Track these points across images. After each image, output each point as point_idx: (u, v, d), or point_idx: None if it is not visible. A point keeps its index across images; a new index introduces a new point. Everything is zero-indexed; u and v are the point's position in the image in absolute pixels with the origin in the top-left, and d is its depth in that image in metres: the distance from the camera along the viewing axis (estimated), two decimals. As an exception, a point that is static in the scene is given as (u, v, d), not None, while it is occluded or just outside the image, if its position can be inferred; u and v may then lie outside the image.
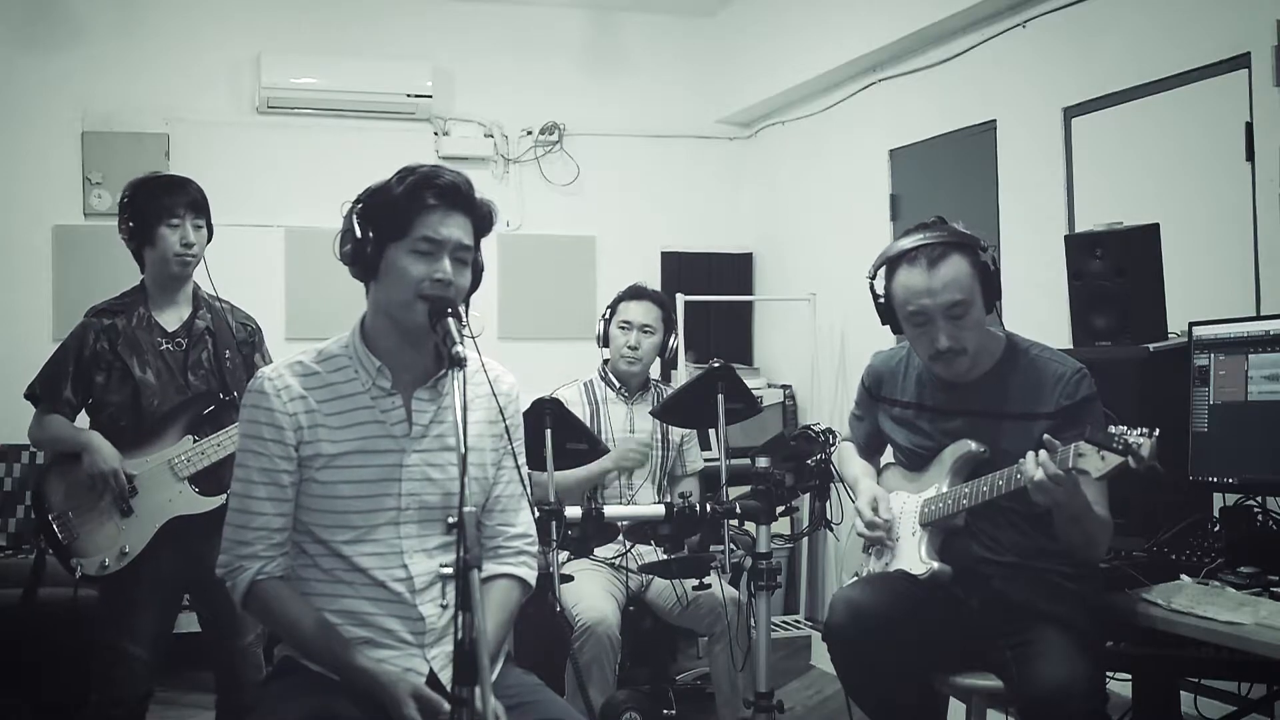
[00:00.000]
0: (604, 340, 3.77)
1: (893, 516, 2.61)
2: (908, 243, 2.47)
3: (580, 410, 3.67)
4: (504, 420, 2.10)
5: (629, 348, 3.70)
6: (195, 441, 2.90)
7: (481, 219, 2.04)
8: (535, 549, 2.19)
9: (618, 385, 3.78)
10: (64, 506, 2.85)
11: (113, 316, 2.92)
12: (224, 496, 2.86)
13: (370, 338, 2.06)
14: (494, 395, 2.10)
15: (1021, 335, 2.56)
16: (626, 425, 3.74)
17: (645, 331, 3.72)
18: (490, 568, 2.12)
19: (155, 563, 2.83)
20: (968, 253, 2.44)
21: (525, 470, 2.18)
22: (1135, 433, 2.09)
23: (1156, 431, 2.08)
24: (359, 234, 1.99)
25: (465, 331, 1.92)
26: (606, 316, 3.78)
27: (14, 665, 3.84)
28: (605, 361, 3.83)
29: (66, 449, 2.88)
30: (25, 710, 3.83)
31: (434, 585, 2.02)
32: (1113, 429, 2.12)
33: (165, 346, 2.94)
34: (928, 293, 2.42)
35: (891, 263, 2.50)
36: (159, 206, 2.89)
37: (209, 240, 3.00)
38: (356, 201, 2.01)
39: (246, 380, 2.98)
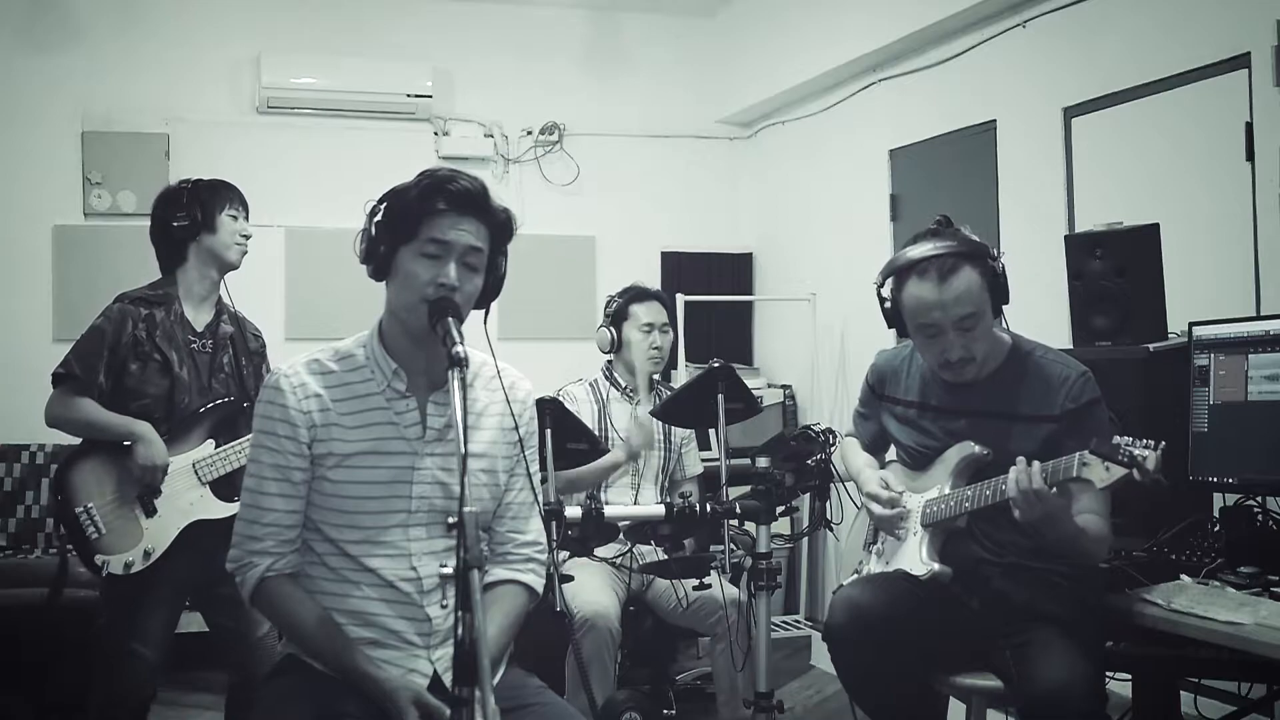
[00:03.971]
0: (617, 345, 3.76)
1: (904, 490, 2.60)
2: (917, 252, 2.44)
3: (587, 408, 3.69)
4: (518, 429, 2.10)
5: (654, 348, 3.72)
6: (217, 447, 2.91)
7: (499, 225, 2.04)
8: (544, 557, 2.19)
9: (623, 385, 3.78)
10: (91, 501, 2.80)
11: (150, 307, 2.91)
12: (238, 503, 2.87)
13: (387, 339, 2.06)
14: (508, 403, 2.10)
15: (1025, 336, 2.55)
16: (630, 425, 3.74)
17: (663, 331, 3.76)
18: (499, 573, 2.13)
19: (172, 565, 2.83)
20: (978, 263, 2.41)
21: (539, 478, 2.18)
22: (1141, 444, 2.08)
23: (1162, 444, 2.07)
24: (374, 234, 2.00)
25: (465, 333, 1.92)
26: (615, 320, 3.77)
27: (16, 665, 3.85)
28: (609, 363, 3.83)
29: (110, 436, 2.82)
30: (27, 710, 3.83)
31: (440, 587, 2.03)
32: (1118, 440, 2.11)
33: (194, 345, 2.96)
34: (939, 306, 2.40)
35: (901, 273, 2.46)
36: (221, 197, 3.00)
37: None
38: (380, 201, 2.02)
39: (254, 390, 3.01)
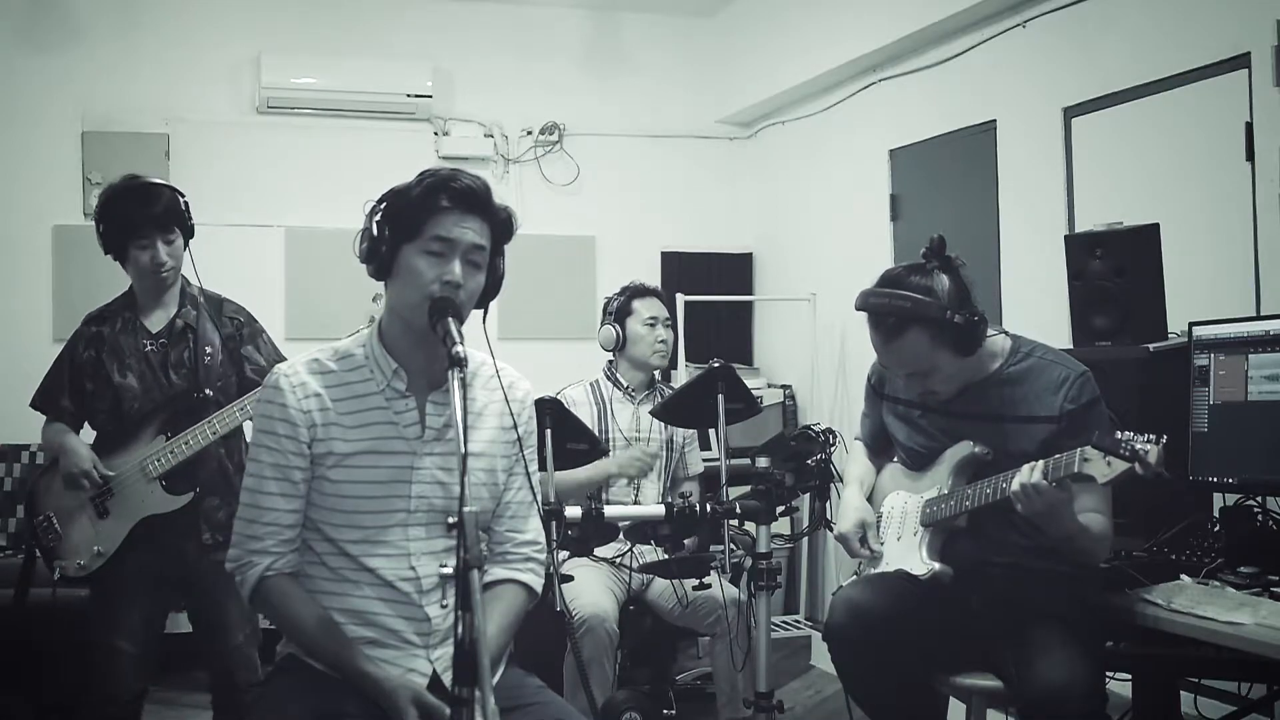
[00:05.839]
0: (622, 342, 3.76)
1: (881, 547, 2.63)
2: (863, 301, 2.42)
3: (587, 410, 3.68)
4: (516, 428, 2.10)
5: (661, 342, 3.73)
6: (167, 440, 2.90)
7: (500, 224, 2.04)
8: (543, 557, 2.19)
9: (625, 385, 3.78)
10: (48, 510, 2.92)
11: (100, 324, 2.96)
12: (189, 495, 2.89)
13: (387, 339, 2.06)
14: (507, 402, 2.10)
15: (1025, 337, 2.55)
16: (633, 425, 3.74)
17: (666, 325, 3.77)
18: (498, 572, 2.13)
19: (137, 560, 2.87)
20: (928, 324, 2.34)
21: (538, 478, 2.18)
22: (1142, 439, 2.08)
23: (1164, 438, 2.07)
24: (375, 233, 2.00)
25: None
26: (618, 316, 3.77)
27: (14, 665, 3.85)
28: (610, 363, 3.83)
29: (52, 454, 2.95)
30: (27, 710, 3.83)
31: (439, 586, 2.03)
32: (1120, 434, 2.11)
33: (150, 348, 2.96)
34: (885, 360, 2.50)
35: (859, 307, 2.46)
36: (128, 225, 2.88)
37: (187, 244, 2.97)
38: (380, 201, 2.02)
39: (234, 375, 3.01)
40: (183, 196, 2.96)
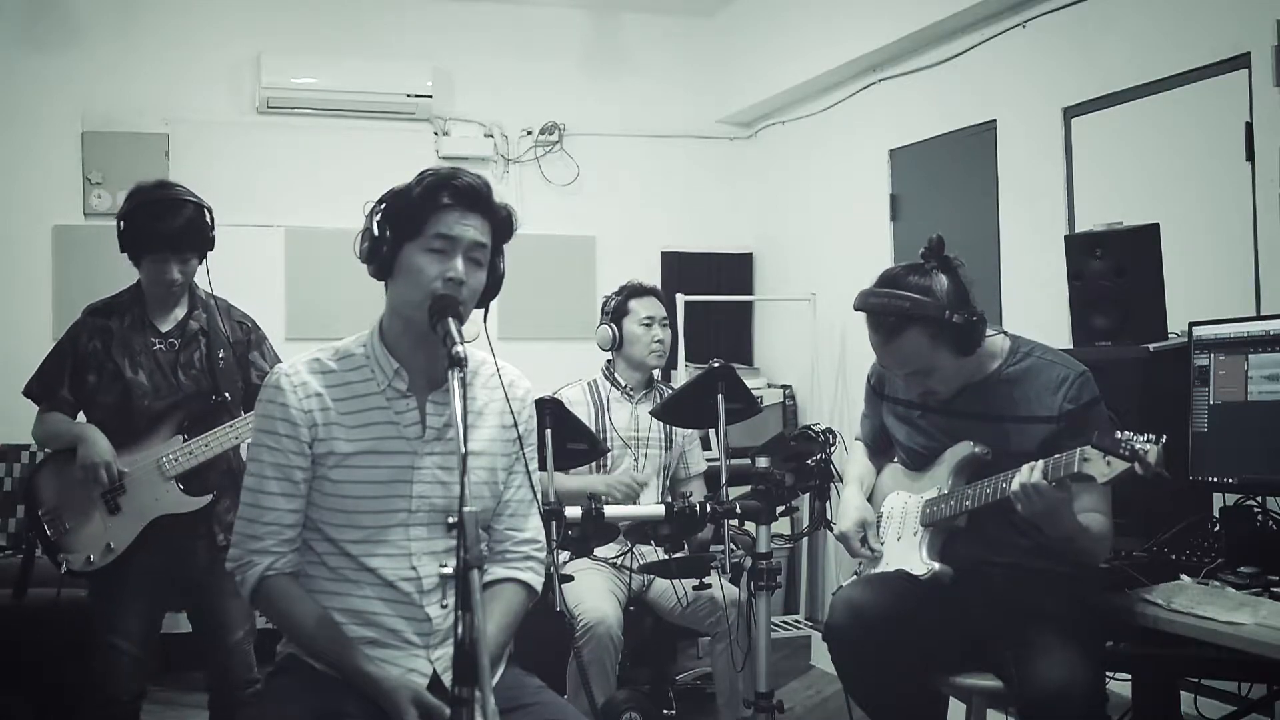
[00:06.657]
0: (619, 341, 3.77)
1: (881, 546, 2.62)
2: (862, 301, 2.43)
3: (585, 410, 3.67)
4: (516, 426, 2.10)
5: (657, 342, 3.73)
6: (185, 441, 2.90)
7: (500, 222, 2.05)
8: (543, 555, 2.19)
9: (623, 385, 3.78)
10: (54, 503, 2.88)
11: (107, 317, 2.94)
12: (209, 497, 2.89)
13: (388, 339, 2.07)
14: (508, 400, 2.10)
15: (1025, 337, 2.55)
16: (631, 425, 3.74)
17: (663, 325, 3.76)
18: (497, 571, 2.13)
19: (142, 559, 2.86)
20: (928, 324, 2.35)
21: (538, 476, 2.18)
22: (1141, 439, 2.08)
23: (1164, 438, 2.08)
24: (376, 232, 2.00)
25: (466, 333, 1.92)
26: (615, 316, 3.77)
27: (14, 665, 3.85)
28: (609, 362, 3.83)
29: (63, 444, 2.91)
30: (27, 710, 3.83)
31: (440, 586, 2.03)
32: (1119, 434, 2.11)
33: (158, 347, 2.95)
34: (884, 360, 2.49)
35: (858, 307, 2.46)
36: (148, 240, 2.86)
37: (204, 257, 2.95)
38: (380, 201, 2.02)
39: (240, 381, 3.02)
40: (208, 211, 2.93)
